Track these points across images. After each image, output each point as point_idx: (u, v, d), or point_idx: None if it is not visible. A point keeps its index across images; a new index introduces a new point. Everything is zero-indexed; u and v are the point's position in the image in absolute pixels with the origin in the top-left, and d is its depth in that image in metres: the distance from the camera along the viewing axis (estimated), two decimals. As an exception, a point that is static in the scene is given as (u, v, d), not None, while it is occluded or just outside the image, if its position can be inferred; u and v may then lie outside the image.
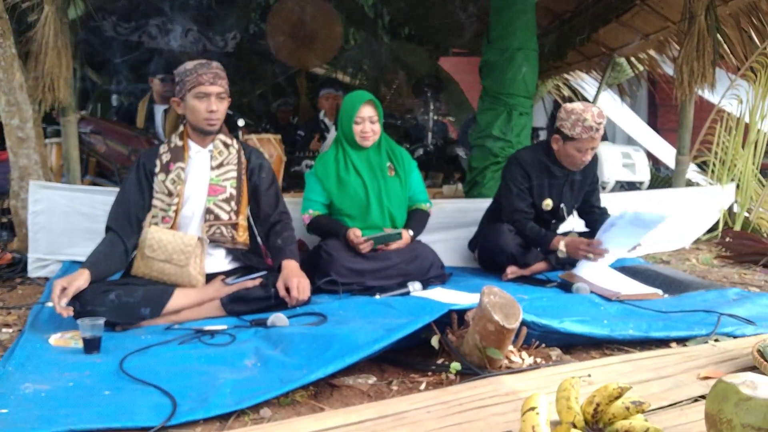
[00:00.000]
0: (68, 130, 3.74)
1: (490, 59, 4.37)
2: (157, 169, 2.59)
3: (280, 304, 2.46)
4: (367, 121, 3.06)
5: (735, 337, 2.19)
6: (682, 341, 2.17)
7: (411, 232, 3.09)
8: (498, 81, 4.33)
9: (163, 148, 2.64)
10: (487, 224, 3.41)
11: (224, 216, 2.59)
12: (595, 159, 3.26)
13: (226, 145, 2.68)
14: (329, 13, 6.79)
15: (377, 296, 2.69)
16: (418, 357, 2.00)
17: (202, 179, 2.62)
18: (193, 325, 2.33)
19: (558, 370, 1.86)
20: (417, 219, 3.18)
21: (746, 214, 4.65)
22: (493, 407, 1.57)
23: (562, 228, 3.43)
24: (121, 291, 2.33)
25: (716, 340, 2.14)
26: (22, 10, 3.51)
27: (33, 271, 3.28)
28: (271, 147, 4.18)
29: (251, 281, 2.52)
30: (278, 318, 2.28)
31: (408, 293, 2.73)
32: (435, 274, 3.03)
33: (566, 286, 2.93)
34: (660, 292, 2.84)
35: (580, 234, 3.26)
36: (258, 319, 2.33)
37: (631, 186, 5.35)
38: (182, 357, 1.99)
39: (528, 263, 3.21)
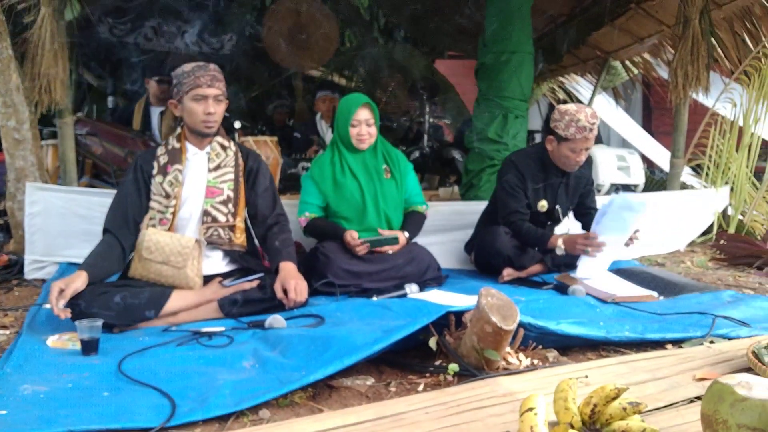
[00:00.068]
0: (65, 131, 3.73)
1: (486, 62, 4.38)
2: (155, 171, 2.59)
3: (277, 306, 2.46)
4: (364, 124, 3.07)
5: (730, 338, 2.20)
6: (677, 343, 2.19)
7: (407, 234, 3.10)
8: (494, 84, 4.33)
9: (160, 150, 2.64)
10: (483, 227, 3.42)
11: (221, 218, 2.60)
12: (589, 160, 3.27)
13: (224, 147, 2.68)
14: (325, 15, 6.79)
15: (374, 298, 2.70)
16: (416, 358, 2.01)
17: (200, 181, 2.62)
18: (191, 326, 2.33)
19: (555, 371, 1.87)
20: (413, 221, 3.19)
21: (740, 217, 4.67)
22: (490, 408, 1.58)
23: (558, 230, 3.44)
24: (126, 293, 2.33)
25: (711, 342, 2.16)
26: (18, 12, 3.50)
27: (30, 272, 3.27)
28: (267, 149, 4.19)
29: (249, 283, 2.52)
30: (276, 320, 2.28)
31: (405, 295, 2.74)
32: (432, 276, 3.04)
33: (562, 288, 2.94)
34: (655, 294, 2.86)
35: (576, 235, 3.28)
36: (256, 321, 2.33)
37: (626, 189, 5.35)
38: (181, 358, 2.00)
39: (524, 265, 3.22)
